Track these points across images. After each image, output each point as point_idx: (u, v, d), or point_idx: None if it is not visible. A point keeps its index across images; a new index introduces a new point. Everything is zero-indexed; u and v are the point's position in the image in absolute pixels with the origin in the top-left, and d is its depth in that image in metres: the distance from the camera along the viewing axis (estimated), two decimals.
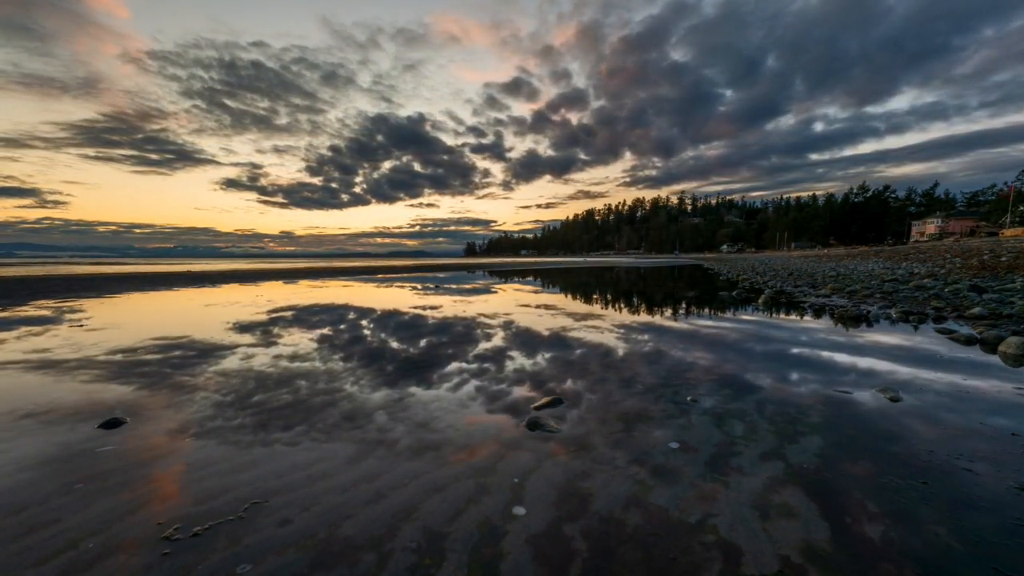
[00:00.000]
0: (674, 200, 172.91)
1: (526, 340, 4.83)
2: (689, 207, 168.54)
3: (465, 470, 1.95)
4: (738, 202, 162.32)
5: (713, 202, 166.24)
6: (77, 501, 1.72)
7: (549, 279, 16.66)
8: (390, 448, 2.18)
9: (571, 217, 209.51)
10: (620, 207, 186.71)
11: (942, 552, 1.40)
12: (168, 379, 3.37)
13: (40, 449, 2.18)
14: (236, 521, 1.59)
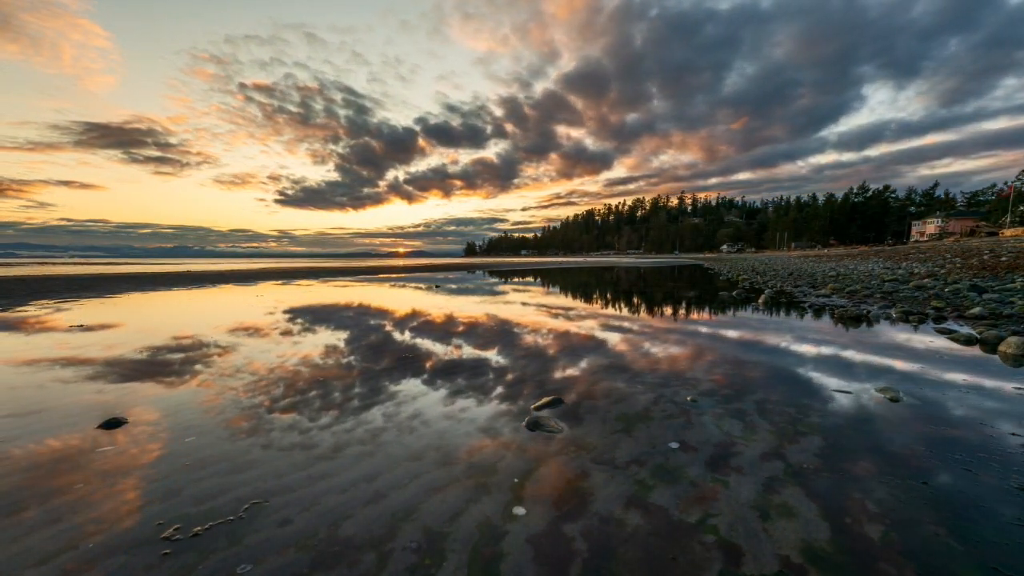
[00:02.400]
0: (674, 200, 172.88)
1: (523, 339, 4.83)
2: (689, 207, 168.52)
3: (465, 470, 1.95)
4: (738, 202, 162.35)
5: (713, 202, 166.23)
6: (77, 501, 1.72)
7: (548, 279, 16.66)
8: (390, 448, 2.18)
9: (571, 217, 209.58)
10: (620, 207, 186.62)
11: (942, 552, 1.40)
12: (168, 379, 3.37)
13: (40, 449, 2.18)
14: (236, 521, 1.59)
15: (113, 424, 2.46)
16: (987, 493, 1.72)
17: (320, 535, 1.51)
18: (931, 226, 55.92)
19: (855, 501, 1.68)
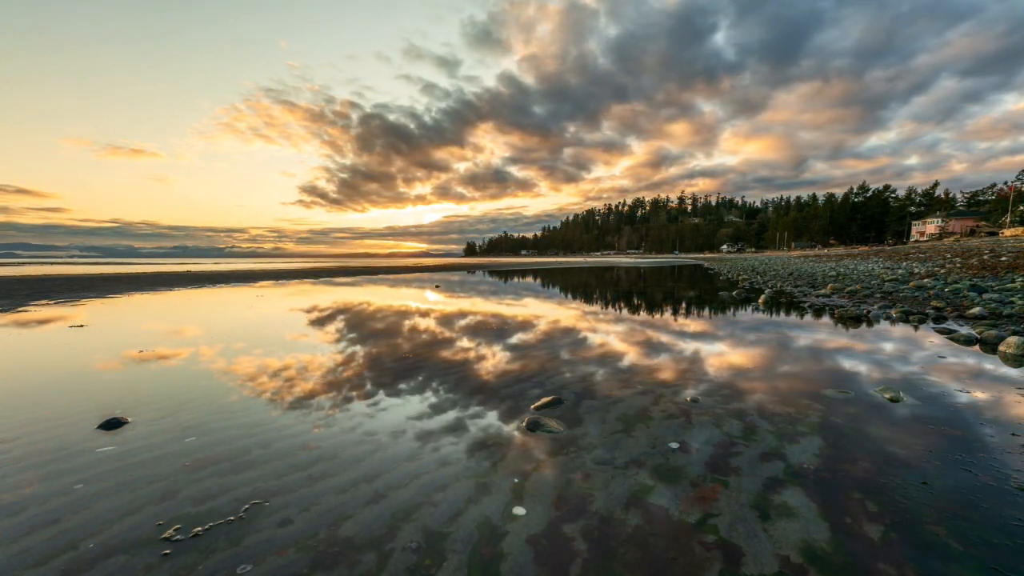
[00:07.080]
0: (674, 200, 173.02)
1: (522, 339, 4.83)
2: (689, 207, 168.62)
3: (465, 470, 1.95)
4: (738, 202, 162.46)
5: (713, 202, 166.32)
6: (77, 501, 1.72)
7: (547, 279, 16.66)
8: (389, 448, 2.18)
9: (571, 218, 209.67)
10: (620, 207, 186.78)
11: (942, 552, 1.40)
12: (168, 380, 3.37)
13: (41, 449, 2.18)
14: (236, 521, 1.59)
15: (113, 424, 2.46)
16: (987, 493, 1.72)
17: (320, 535, 1.51)
18: (931, 226, 55.88)
19: (855, 501, 1.68)
